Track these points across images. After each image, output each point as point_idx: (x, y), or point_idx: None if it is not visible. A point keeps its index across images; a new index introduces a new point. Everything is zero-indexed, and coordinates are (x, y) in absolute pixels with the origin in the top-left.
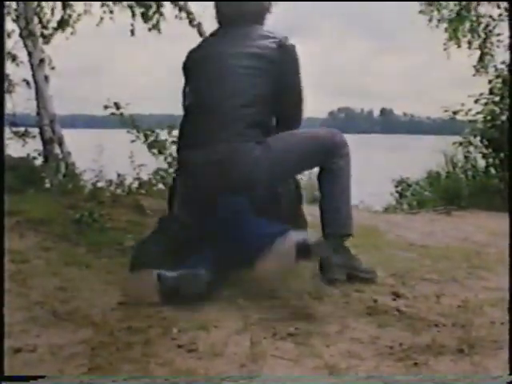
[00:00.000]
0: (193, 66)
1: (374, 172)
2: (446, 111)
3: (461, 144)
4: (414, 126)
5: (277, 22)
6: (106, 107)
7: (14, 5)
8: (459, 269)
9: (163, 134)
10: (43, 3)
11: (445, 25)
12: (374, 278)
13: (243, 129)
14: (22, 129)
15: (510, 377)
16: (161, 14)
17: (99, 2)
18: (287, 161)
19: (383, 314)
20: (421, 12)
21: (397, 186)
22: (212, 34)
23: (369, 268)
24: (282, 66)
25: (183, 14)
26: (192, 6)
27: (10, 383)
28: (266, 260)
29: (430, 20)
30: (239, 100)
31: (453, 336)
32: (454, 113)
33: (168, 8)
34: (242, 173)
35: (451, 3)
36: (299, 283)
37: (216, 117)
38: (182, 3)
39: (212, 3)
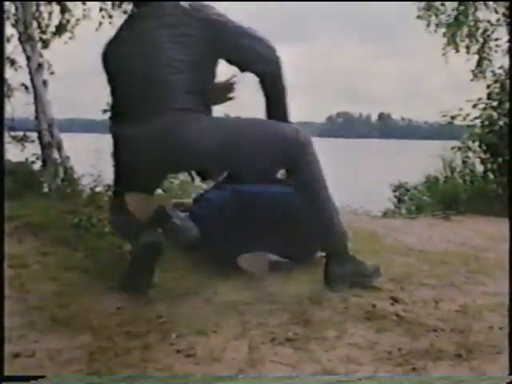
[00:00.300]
0: (115, 48)
1: (373, 177)
2: (444, 116)
3: (459, 149)
4: (412, 131)
5: (275, 25)
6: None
7: (12, 9)
8: (458, 274)
9: None
10: (42, 8)
11: (443, 30)
12: (378, 276)
13: (178, 97)
14: (21, 133)
15: (510, 377)
16: None
17: (98, 7)
18: (241, 144)
19: (382, 319)
20: (419, 17)
21: (395, 191)
22: (130, 16)
23: (373, 267)
24: (207, 30)
25: None
26: None
27: (10, 383)
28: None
29: (428, 25)
30: (166, 68)
31: (451, 341)
32: (452, 118)
33: None
34: (186, 143)
35: (449, 8)
36: (298, 288)
37: (146, 89)
38: None
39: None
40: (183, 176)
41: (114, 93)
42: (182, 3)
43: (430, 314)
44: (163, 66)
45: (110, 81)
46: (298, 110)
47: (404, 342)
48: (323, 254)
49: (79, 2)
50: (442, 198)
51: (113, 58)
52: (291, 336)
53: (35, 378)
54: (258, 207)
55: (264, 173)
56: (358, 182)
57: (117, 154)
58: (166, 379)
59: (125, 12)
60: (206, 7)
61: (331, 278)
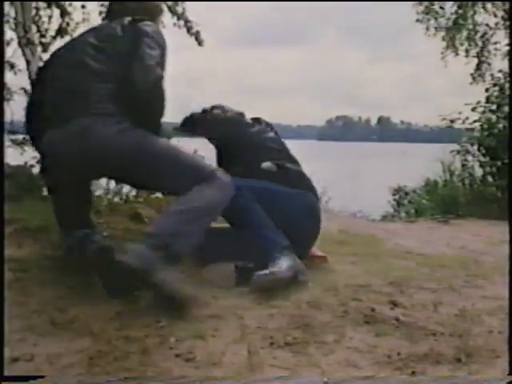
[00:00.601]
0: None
1: (372, 180)
2: (443, 119)
3: (458, 152)
4: (411, 134)
5: (275, 28)
6: None
7: (12, 13)
8: (457, 277)
9: None
10: (42, 12)
11: (442, 33)
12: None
13: (99, 103)
14: (20, 137)
15: (509, 377)
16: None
17: (97, 11)
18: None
19: (381, 322)
20: (418, 21)
21: (394, 195)
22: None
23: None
24: (123, 43)
25: (181, 22)
26: (190, 15)
27: (10, 383)
28: None
29: (428, 29)
30: (83, 72)
31: (450, 345)
32: (452, 121)
33: (166, 16)
34: (103, 144)
35: (448, 12)
36: (297, 292)
37: (71, 94)
38: (180, 11)
39: (212, 13)
40: None
41: (37, 96)
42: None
43: (429, 318)
44: (88, 75)
45: (38, 85)
46: (298, 113)
47: (403, 346)
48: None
49: (79, 6)
50: (441, 202)
51: (49, 63)
52: (290, 340)
53: (35, 378)
54: None
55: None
56: (357, 186)
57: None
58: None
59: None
60: (145, 25)
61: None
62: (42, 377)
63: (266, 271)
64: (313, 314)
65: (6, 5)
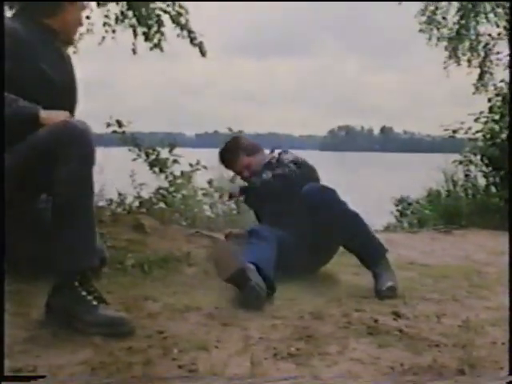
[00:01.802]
0: None
1: (375, 190)
2: (446, 130)
3: (461, 162)
4: (414, 144)
5: (277, 38)
6: (108, 125)
7: None
8: (460, 288)
9: (164, 153)
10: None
11: (444, 43)
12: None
13: None
14: None
15: (509, 377)
16: (162, 34)
17: (101, 22)
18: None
19: (384, 334)
20: (420, 31)
21: (397, 205)
22: None
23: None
24: None
25: (185, 33)
26: (193, 25)
27: (10, 383)
28: None
29: (430, 39)
30: None
31: (454, 356)
32: (454, 131)
33: (170, 27)
34: None
35: (450, 22)
36: (300, 303)
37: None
38: (183, 22)
39: (213, 23)
40: (186, 190)
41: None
42: None
43: (432, 329)
44: None
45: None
46: (300, 123)
47: (406, 357)
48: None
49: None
50: (443, 212)
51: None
52: (293, 351)
53: (35, 378)
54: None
55: None
56: (359, 196)
57: None
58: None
59: (131, 26)
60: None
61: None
62: (42, 377)
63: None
64: (316, 324)
65: (9, 14)
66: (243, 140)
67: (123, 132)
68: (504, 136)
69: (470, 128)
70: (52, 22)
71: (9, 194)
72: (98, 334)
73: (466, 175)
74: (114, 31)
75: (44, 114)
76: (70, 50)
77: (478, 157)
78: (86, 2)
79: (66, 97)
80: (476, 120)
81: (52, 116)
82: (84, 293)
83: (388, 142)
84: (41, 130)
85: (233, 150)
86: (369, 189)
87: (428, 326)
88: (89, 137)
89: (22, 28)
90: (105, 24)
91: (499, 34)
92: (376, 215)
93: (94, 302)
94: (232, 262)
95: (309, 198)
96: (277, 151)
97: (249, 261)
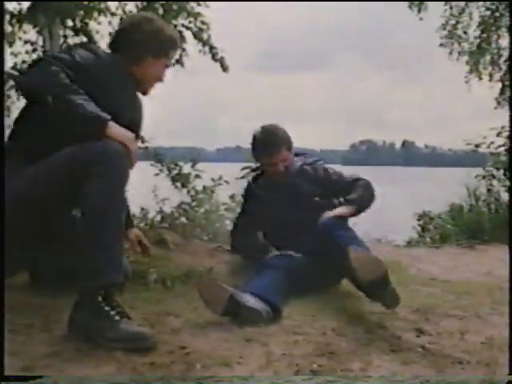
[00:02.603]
0: None
1: (396, 205)
2: (468, 144)
3: (484, 177)
4: (435, 159)
5: (299, 53)
6: None
7: (40, 41)
8: (483, 304)
9: (186, 167)
10: (69, 40)
11: (465, 58)
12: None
13: None
14: None
15: (509, 377)
16: (184, 50)
17: None
18: None
19: (407, 350)
20: (441, 45)
21: (419, 220)
22: None
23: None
24: None
25: (206, 49)
26: (215, 41)
27: (10, 383)
28: None
29: (451, 53)
30: None
31: (477, 374)
32: (477, 146)
33: (191, 42)
34: None
35: (471, 36)
36: (322, 319)
37: None
38: (205, 38)
39: (235, 38)
40: (208, 204)
41: None
42: None
43: (455, 346)
44: None
45: None
46: (322, 137)
47: (430, 375)
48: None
49: (106, 34)
50: (466, 227)
51: None
52: (316, 368)
53: (34, 377)
54: None
55: None
56: (381, 211)
57: None
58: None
59: None
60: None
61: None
62: (40, 377)
63: None
64: (338, 341)
65: (33, 33)
66: (285, 131)
67: (146, 147)
68: None
69: (492, 142)
70: (134, 70)
71: (39, 202)
72: (119, 349)
73: (489, 190)
74: None
75: (113, 127)
76: None
77: (501, 171)
78: (171, 62)
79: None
80: (498, 134)
81: (119, 132)
82: (107, 308)
83: (410, 156)
84: (79, 144)
85: (275, 139)
86: (390, 203)
87: (451, 342)
88: (123, 157)
89: (101, 64)
90: None
91: None
92: (398, 230)
93: (117, 317)
94: (220, 292)
95: (323, 232)
96: (303, 157)
97: (248, 291)
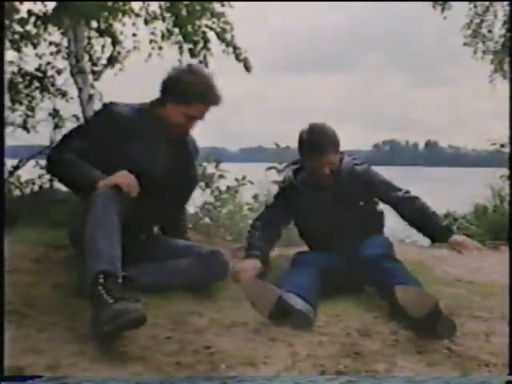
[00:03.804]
0: None
1: None
2: (493, 144)
3: (508, 178)
4: (459, 159)
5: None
6: None
7: (65, 43)
8: (508, 306)
9: (210, 168)
10: (93, 41)
11: (490, 56)
12: None
13: None
14: None
15: (509, 377)
16: (208, 50)
17: (148, 39)
18: None
19: (432, 352)
20: (465, 44)
21: (443, 220)
22: None
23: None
24: None
25: (230, 49)
26: (238, 41)
27: (10, 383)
28: None
29: (475, 52)
30: None
31: (503, 376)
32: (502, 145)
33: (215, 43)
34: None
35: (496, 35)
36: (347, 319)
37: None
38: (228, 38)
39: (257, 39)
40: (232, 205)
41: None
42: None
43: (481, 348)
44: None
45: None
46: (345, 137)
47: (455, 377)
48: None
49: (130, 35)
50: (490, 228)
51: None
52: (341, 368)
53: (33, 377)
54: None
55: None
56: None
57: None
58: None
59: (177, 43)
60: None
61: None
62: (39, 376)
63: None
64: (363, 342)
65: (58, 34)
66: (334, 132)
67: None
68: None
69: None
70: (164, 113)
71: None
72: (110, 331)
73: None
74: (160, 48)
75: (102, 183)
76: (117, 68)
77: None
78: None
79: (155, 187)
80: None
81: (108, 182)
82: (102, 291)
83: (433, 156)
84: None
85: (327, 140)
86: None
87: (477, 344)
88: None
89: (131, 114)
90: (151, 41)
91: None
92: None
93: (111, 300)
94: (269, 293)
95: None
96: (351, 157)
97: (287, 290)
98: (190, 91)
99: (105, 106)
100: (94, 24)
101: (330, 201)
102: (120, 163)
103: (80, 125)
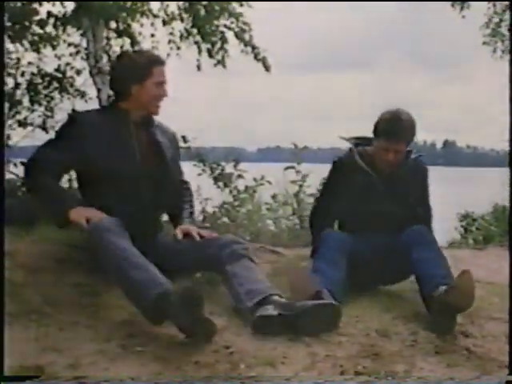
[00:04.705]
0: None
1: (438, 206)
2: None
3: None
4: (477, 159)
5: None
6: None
7: (84, 43)
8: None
9: (229, 168)
10: (112, 41)
11: (509, 56)
12: None
13: None
14: None
15: (509, 377)
16: (226, 51)
17: (166, 39)
18: None
19: (452, 353)
20: (484, 43)
21: (461, 221)
22: None
23: None
24: None
25: (248, 49)
26: (256, 41)
27: (10, 383)
28: None
29: (494, 51)
30: None
31: (503, 376)
32: None
33: (233, 43)
34: None
35: None
36: (365, 320)
37: None
38: (247, 38)
39: (275, 39)
40: (250, 204)
41: None
42: None
43: (501, 349)
44: None
45: None
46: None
47: (475, 378)
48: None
49: (148, 35)
50: (510, 228)
51: None
52: (361, 369)
53: (32, 377)
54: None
55: None
56: None
57: None
58: None
59: (195, 43)
60: None
61: None
62: (38, 377)
63: None
64: (382, 342)
65: (77, 35)
66: (415, 125)
67: (188, 147)
68: None
69: None
70: (126, 105)
71: None
72: None
73: None
74: (178, 48)
75: (74, 213)
76: None
77: None
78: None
79: (131, 184)
80: None
81: (80, 215)
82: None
83: (451, 156)
84: None
85: (407, 129)
86: (433, 204)
87: (496, 346)
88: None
89: (92, 117)
90: (170, 41)
91: None
92: (440, 230)
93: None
94: (308, 286)
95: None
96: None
97: (326, 287)
98: (141, 63)
99: (68, 116)
100: (113, 25)
101: (383, 188)
102: (95, 166)
103: (51, 139)
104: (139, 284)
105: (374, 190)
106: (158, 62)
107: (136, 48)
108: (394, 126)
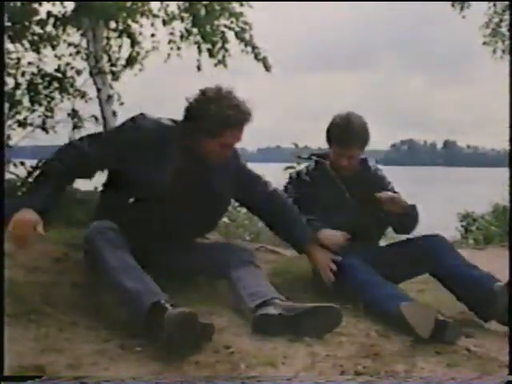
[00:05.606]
0: None
1: (438, 206)
2: None
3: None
4: (478, 159)
5: (341, 53)
6: None
7: (84, 44)
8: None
9: None
10: (112, 41)
11: (509, 56)
12: None
13: None
14: None
15: (509, 377)
16: (226, 50)
17: (167, 39)
18: None
19: (452, 353)
20: (485, 43)
21: (462, 221)
22: None
23: None
24: None
25: (249, 49)
26: (257, 41)
27: (10, 383)
28: None
29: (495, 51)
30: None
31: (503, 376)
32: None
33: (234, 42)
34: None
35: None
36: (365, 320)
37: None
38: (247, 38)
39: (275, 35)
40: None
41: None
42: None
43: (501, 349)
44: None
45: None
46: None
47: (476, 378)
48: None
49: (149, 35)
50: (510, 228)
51: None
52: (361, 369)
53: (33, 377)
54: None
55: None
56: (423, 211)
57: None
58: None
59: (195, 43)
60: None
61: None
62: (39, 377)
63: None
64: (382, 342)
65: (77, 35)
66: (367, 129)
67: None
68: None
69: None
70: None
71: None
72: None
73: None
74: (179, 48)
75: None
76: (136, 68)
77: None
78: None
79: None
80: None
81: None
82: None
83: (451, 156)
84: None
85: (366, 134)
86: (433, 204)
87: (496, 345)
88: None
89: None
90: (170, 41)
91: None
92: (440, 231)
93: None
94: (428, 314)
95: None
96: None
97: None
98: (220, 121)
99: (132, 119)
100: (113, 25)
101: (343, 194)
102: (126, 175)
103: (100, 132)
104: (135, 293)
105: (344, 198)
106: (238, 121)
107: (142, 52)
108: (345, 132)
